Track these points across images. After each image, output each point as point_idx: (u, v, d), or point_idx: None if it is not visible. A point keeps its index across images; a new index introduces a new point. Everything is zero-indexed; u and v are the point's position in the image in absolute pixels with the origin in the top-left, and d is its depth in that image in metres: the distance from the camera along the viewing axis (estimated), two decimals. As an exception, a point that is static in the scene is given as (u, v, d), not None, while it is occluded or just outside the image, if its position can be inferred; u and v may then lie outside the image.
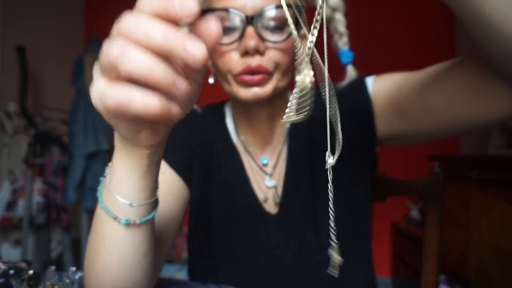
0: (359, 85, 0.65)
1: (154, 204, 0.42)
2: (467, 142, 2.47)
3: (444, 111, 0.53)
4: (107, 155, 2.20)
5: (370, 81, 0.65)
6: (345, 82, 0.64)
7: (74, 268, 0.49)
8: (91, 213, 2.41)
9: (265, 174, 0.67)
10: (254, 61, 0.56)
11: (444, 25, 2.53)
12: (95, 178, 2.16)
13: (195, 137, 0.71)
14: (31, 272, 0.51)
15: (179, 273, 2.33)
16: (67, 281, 0.47)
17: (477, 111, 0.49)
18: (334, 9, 0.62)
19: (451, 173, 1.81)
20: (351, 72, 0.63)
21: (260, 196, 0.66)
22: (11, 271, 0.52)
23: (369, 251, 0.68)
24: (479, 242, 1.57)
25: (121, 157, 0.38)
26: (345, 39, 0.62)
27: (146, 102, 0.26)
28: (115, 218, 0.40)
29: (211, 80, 0.66)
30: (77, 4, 2.98)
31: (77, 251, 2.26)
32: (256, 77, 0.57)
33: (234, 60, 0.57)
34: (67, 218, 2.14)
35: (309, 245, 0.63)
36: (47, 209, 2.13)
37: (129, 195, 0.39)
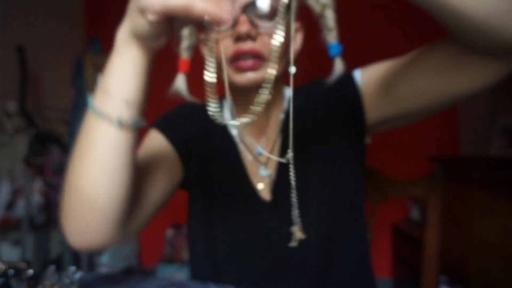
0: (346, 79, 0.68)
1: (142, 111, 0.47)
2: (467, 143, 2.47)
3: (431, 89, 0.57)
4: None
5: (357, 74, 0.68)
6: (333, 75, 0.65)
7: (74, 268, 0.48)
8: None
9: (260, 163, 0.70)
10: (247, 45, 0.59)
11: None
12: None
13: (196, 124, 0.74)
14: (30, 272, 0.51)
15: (179, 273, 2.33)
16: (67, 280, 0.47)
17: (461, 85, 0.55)
18: (324, 6, 0.64)
19: (452, 174, 1.81)
20: (338, 65, 0.64)
21: (256, 184, 0.69)
22: (11, 271, 0.51)
23: (363, 239, 0.71)
24: (480, 242, 1.57)
25: (125, 60, 0.44)
26: (334, 33, 0.64)
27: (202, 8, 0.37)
28: (108, 120, 0.43)
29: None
30: (77, 3, 2.98)
31: (76, 251, 2.26)
32: (250, 62, 0.59)
33: (227, 46, 0.61)
34: (66, 218, 2.14)
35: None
36: (46, 209, 2.13)
37: (127, 93, 0.44)
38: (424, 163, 2.20)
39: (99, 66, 2.30)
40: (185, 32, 0.68)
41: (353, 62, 0.70)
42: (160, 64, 0.70)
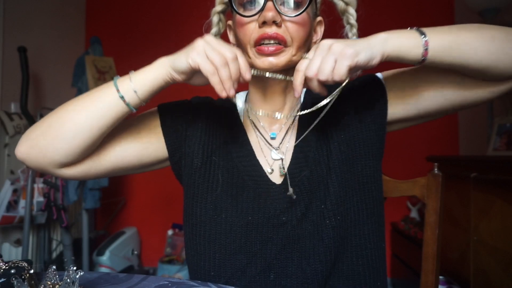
0: (371, 78, 0.72)
1: (140, 105, 0.64)
2: (466, 144, 2.47)
3: (457, 93, 0.65)
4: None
5: (380, 75, 0.72)
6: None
7: (74, 268, 0.49)
8: (91, 213, 2.41)
9: (272, 147, 0.72)
10: (271, 30, 0.63)
11: (443, 18, 2.53)
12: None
13: (202, 112, 0.77)
14: (32, 271, 0.52)
15: (179, 273, 2.34)
16: (67, 280, 0.48)
17: (485, 92, 0.65)
18: (347, 4, 0.70)
19: (450, 174, 1.81)
20: None
21: (266, 167, 0.72)
22: (12, 271, 0.52)
23: (379, 231, 0.72)
24: (478, 242, 1.57)
25: (153, 73, 0.62)
26: (354, 30, 0.71)
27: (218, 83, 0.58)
28: (118, 90, 0.61)
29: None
30: (78, 5, 2.98)
31: (77, 251, 2.27)
32: (272, 47, 0.63)
33: (252, 30, 0.65)
34: (67, 218, 2.15)
35: (315, 213, 0.68)
36: (47, 209, 2.13)
37: (138, 88, 0.62)
38: (423, 163, 2.20)
39: (100, 67, 2.30)
40: (215, 19, 0.74)
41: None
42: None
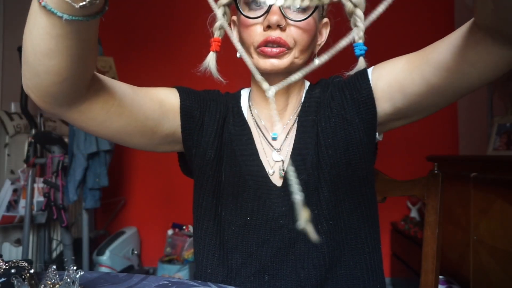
0: (361, 74, 0.70)
1: (75, 12, 0.43)
2: (466, 144, 2.47)
3: (444, 85, 0.58)
4: (108, 155, 2.21)
5: (369, 70, 0.70)
6: (352, 72, 0.70)
7: (74, 267, 0.49)
8: (91, 213, 2.41)
9: (273, 148, 0.72)
10: (275, 34, 0.63)
11: (443, 18, 2.54)
12: (95, 178, 2.17)
13: (218, 104, 0.76)
14: (32, 271, 0.52)
15: (179, 273, 2.34)
16: (68, 280, 0.48)
17: (476, 77, 0.55)
18: (355, 5, 0.68)
19: (450, 174, 1.81)
20: (361, 64, 0.68)
21: (267, 168, 0.72)
22: (13, 270, 0.52)
23: (374, 234, 0.72)
24: (478, 242, 1.57)
25: None
26: (361, 34, 0.68)
27: None
28: (40, 2, 0.42)
29: (238, 55, 0.73)
30: (78, 4, 2.98)
31: (77, 251, 2.27)
32: (275, 50, 0.64)
33: (257, 33, 0.65)
34: (67, 218, 2.15)
35: (310, 217, 0.66)
36: (47, 209, 2.13)
37: None
38: (423, 163, 2.20)
39: (100, 67, 2.30)
40: (219, 12, 0.72)
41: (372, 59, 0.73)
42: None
